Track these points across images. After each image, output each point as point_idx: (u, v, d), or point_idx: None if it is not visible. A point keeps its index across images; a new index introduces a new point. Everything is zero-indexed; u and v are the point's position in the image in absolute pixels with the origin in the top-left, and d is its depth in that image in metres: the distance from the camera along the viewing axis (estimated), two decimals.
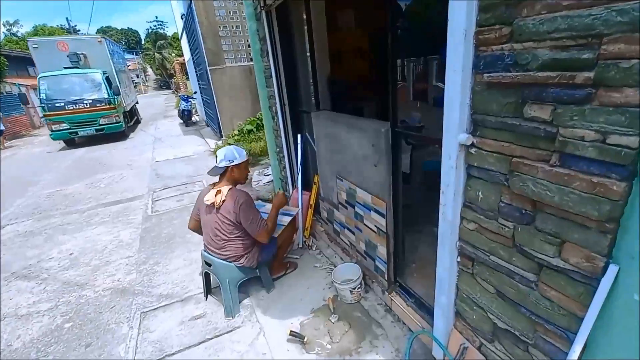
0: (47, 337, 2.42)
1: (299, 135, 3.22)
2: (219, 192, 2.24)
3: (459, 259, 1.43)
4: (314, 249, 3.12)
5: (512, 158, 1.10)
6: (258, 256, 2.43)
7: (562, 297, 1.06)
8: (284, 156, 3.63)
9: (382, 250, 2.19)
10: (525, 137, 1.04)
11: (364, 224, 2.33)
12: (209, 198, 2.26)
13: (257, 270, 2.50)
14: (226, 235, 2.29)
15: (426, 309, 1.98)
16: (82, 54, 10.28)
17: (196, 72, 10.63)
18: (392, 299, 2.17)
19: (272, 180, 4.51)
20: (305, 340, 2.05)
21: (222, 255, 2.33)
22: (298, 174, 3.22)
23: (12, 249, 3.84)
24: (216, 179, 2.42)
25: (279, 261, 2.75)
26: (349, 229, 2.61)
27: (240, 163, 2.33)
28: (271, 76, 3.26)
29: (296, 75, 3.23)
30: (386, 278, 2.22)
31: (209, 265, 2.43)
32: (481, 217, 1.27)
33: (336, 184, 2.64)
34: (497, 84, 1.09)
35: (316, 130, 2.78)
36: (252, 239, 2.36)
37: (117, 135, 10.36)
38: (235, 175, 2.33)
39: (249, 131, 7.83)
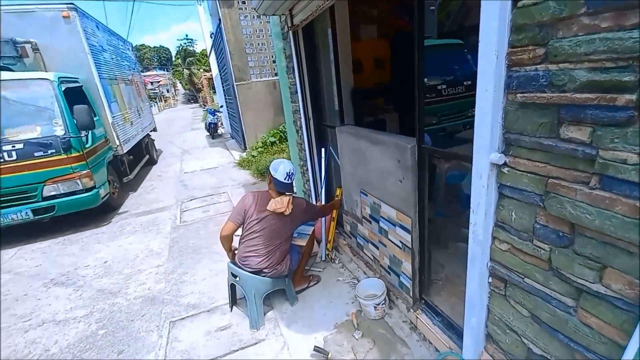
0: (82, 343, 2.53)
1: (322, 149, 3.26)
2: (289, 201, 2.39)
3: (490, 280, 1.39)
4: (336, 262, 3.11)
5: (548, 179, 1.07)
6: (289, 263, 2.49)
7: (602, 325, 1.01)
8: (307, 169, 3.68)
9: (407, 267, 2.16)
10: (562, 158, 1.02)
11: (389, 239, 2.31)
12: (278, 206, 2.35)
13: (286, 280, 2.53)
14: (280, 242, 2.42)
15: (454, 330, 1.92)
16: (29, 42, 4.79)
17: (223, 87, 11.04)
18: (417, 317, 2.12)
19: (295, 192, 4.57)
20: (329, 356, 2.03)
21: (266, 262, 2.38)
22: (322, 187, 3.25)
23: (50, 257, 4.08)
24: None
25: (301, 274, 2.76)
26: (372, 244, 2.60)
27: None
28: (296, 92, 3.34)
29: (320, 91, 3.30)
30: (411, 295, 2.18)
31: (235, 276, 2.47)
32: (514, 237, 1.23)
33: (360, 198, 2.64)
34: (531, 104, 1.08)
35: (340, 145, 2.82)
36: (288, 247, 2.49)
37: (84, 216, 4.94)
38: None
39: (272, 143, 7.99)
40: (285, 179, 2.40)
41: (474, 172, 1.32)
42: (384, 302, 2.28)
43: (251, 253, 2.40)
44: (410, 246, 2.07)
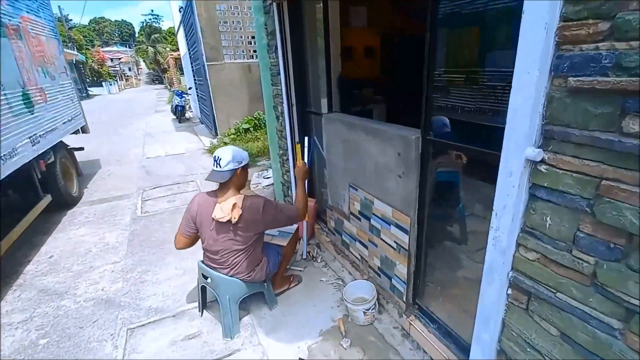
0: (19, 355, 2.13)
1: (306, 138, 3.00)
2: (234, 205, 1.93)
3: (509, 292, 1.24)
4: (319, 260, 2.90)
5: (601, 181, 0.90)
6: (266, 267, 2.20)
7: None
8: (287, 159, 3.40)
9: (401, 269, 1.99)
10: (623, 157, 0.85)
11: (381, 239, 2.13)
12: (221, 214, 1.93)
13: (265, 284, 2.27)
14: (242, 249, 2.05)
15: (452, 338, 1.79)
16: None
17: (192, 67, 10.30)
18: (411, 324, 1.97)
19: (272, 184, 4.27)
20: None
21: (233, 271, 2.09)
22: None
23: None
24: (211, 185, 2.18)
25: (281, 275, 2.51)
26: (361, 242, 2.41)
27: (245, 165, 2.10)
28: (278, 73, 3.04)
29: (306, 74, 3.02)
30: (404, 300, 2.02)
31: (206, 278, 2.18)
32: (547, 246, 1.07)
33: (348, 193, 2.43)
34: (587, 91, 0.90)
35: (327, 134, 2.57)
36: (261, 249, 2.14)
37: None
38: (241, 180, 2.08)
39: (246, 130, 7.57)
40: (214, 166, 1.99)
41: (502, 170, 1.14)
42: (373, 307, 2.11)
43: (214, 265, 2.12)
44: (407, 247, 1.89)
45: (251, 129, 7.64)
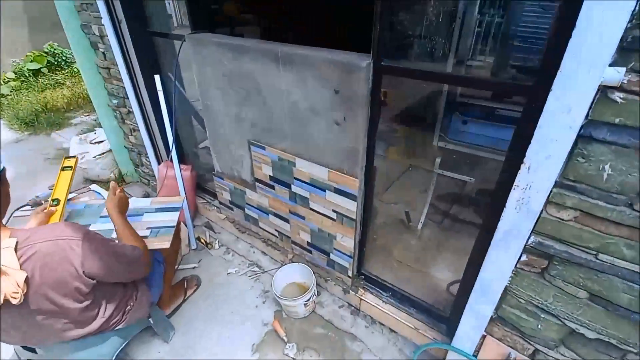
0: None
1: (156, 77, 1.96)
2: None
3: (523, 258, 0.99)
4: (216, 246, 2.18)
5: None
6: (146, 298, 1.38)
7: None
8: (131, 112, 2.27)
9: (344, 242, 1.58)
10: None
11: (310, 209, 1.62)
12: None
13: (150, 319, 1.46)
14: (83, 308, 1.09)
15: (411, 302, 1.58)
16: None
17: None
18: (361, 298, 1.66)
19: (107, 151, 2.93)
20: None
21: (84, 331, 1.15)
22: (173, 138, 2.03)
23: None
24: None
25: (169, 285, 1.72)
26: (277, 216, 1.84)
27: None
28: None
29: None
30: (349, 274, 1.67)
31: (32, 350, 1.21)
32: (597, 202, 0.81)
33: (250, 154, 1.74)
34: None
35: (198, 67, 1.69)
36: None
37: None
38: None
39: (35, 72, 5.12)
40: None
41: (553, 105, 0.76)
42: (314, 293, 1.68)
43: (39, 339, 1.15)
44: (353, 216, 1.46)
45: (44, 69, 5.18)
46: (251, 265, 2.03)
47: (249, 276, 1.96)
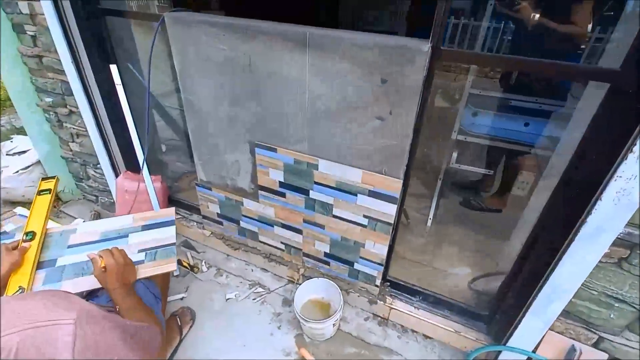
0: None
1: (113, 67, 1.55)
2: None
3: (607, 250, 0.96)
4: (203, 268, 1.85)
5: None
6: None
7: None
8: (74, 112, 1.79)
9: (374, 250, 1.43)
10: None
11: (333, 217, 1.43)
12: None
13: None
14: None
15: (443, 304, 1.51)
16: None
17: None
18: (390, 307, 1.53)
19: (36, 163, 2.30)
20: None
21: None
22: (145, 142, 1.63)
23: None
24: None
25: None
26: (286, 227, 1.60)
27: None
28: None
29: None
30: (377, 283, 1.53)
31: None
32: None
33: (252, 158, 1.47)
34: None
35: (181, 55, 1.36)
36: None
37: None
38: None
39: None
40: None
41: None
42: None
43: None
44: (390, 221, 1.31)
45: None
46: (252, 285, 1.75)
47: (253, 299, 1.69)
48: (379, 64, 1.05)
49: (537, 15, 1.58)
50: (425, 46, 0.97)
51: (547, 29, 1.55)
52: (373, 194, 1.29)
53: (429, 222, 1.98)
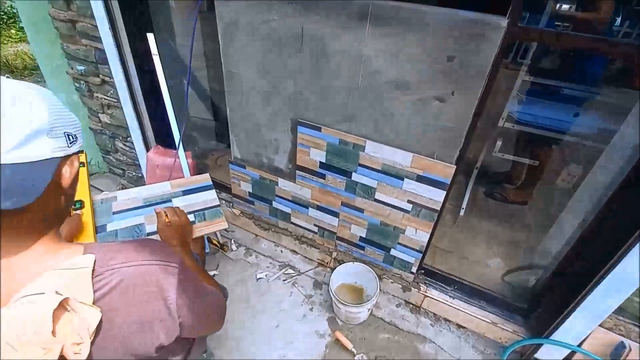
0: None
1: (150, 36, 1.50)
2: (63, 305, 0.41)
3: None
4: (233, 247, 1.84)
5: None
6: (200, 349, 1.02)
7: None
8: (107, 82, 1.75)
9: (415, 237, 1.40)
10: None
11: (375, 200, 1.40)
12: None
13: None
14: None
15: (480, 295, 1.48)
16: None
17: None
18: (425, 294, 1.51)
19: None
20: None
21: None
22: (182, 117, 1.59)
23: None
24: None
25: None
26: (322, 209, 1.57)
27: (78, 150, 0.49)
28: None
29: None
30: (412, 270, 1.51)
31: None
32: None
33: (292, 136, 1.43)
34: None
35: (226, 26, 1.31)
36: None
37: None
38: (61, 196, 0.47)
39: None
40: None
41: None
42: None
43: None
44: (437, 207, 1.28)
45: None
46: (282, 267, 1.74)
47: (284, 280, 1.68)
48: (447, 40, 0.99)
49: None
50: (504, 22, 0.91)
51: None
52: (421, 179, 1.25)
53: (462, 212, 1.94)
